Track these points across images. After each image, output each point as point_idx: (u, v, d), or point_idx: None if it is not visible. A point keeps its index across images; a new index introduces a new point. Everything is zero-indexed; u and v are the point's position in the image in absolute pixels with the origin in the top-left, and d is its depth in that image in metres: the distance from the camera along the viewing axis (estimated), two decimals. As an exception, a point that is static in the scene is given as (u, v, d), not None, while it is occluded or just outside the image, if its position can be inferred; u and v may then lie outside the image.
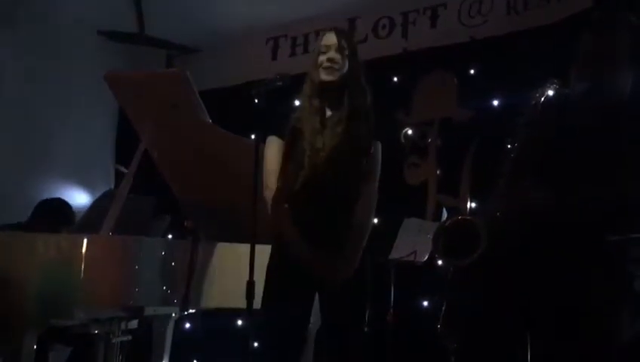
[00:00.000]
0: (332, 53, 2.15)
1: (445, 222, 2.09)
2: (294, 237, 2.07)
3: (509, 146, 2.06)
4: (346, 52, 2.16)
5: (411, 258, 3.63)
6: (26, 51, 4.86)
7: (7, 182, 4.52)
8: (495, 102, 4.23)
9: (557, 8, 4.11)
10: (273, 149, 2.19)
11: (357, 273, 2.08)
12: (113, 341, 3.01)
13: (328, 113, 2.18)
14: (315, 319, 2.20)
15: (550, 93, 2.00)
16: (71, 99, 5.17)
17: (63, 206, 3.69)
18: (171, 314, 3.29)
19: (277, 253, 2.15)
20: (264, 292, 2.10)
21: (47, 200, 3.73)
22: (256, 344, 2.14)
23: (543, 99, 1.99)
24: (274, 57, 5.37)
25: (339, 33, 2.20)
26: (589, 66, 1.96)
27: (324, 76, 2.15)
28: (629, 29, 1.96)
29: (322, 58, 2.16)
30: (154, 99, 2.97)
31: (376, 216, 4.21)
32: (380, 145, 2.20)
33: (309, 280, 2.06)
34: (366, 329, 2.14)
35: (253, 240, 2.01)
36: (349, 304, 2.08)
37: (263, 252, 2.13)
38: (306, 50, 5.12)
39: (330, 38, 2.18)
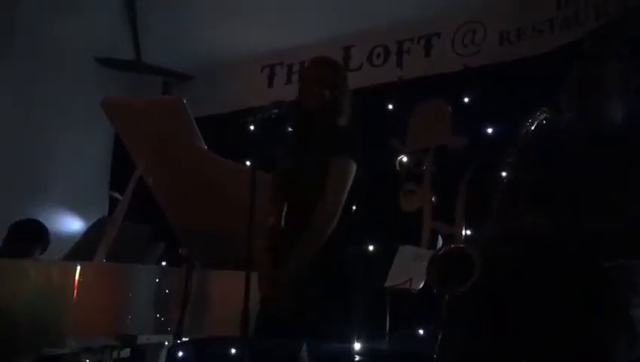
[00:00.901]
0: (310, 83, 2.22)
1: (438, 250, 2.08)
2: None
3: (502, 173, 2.07)
4: (324, 80, 2.20)
5: (407, 286, 3.61)
6: (24, 77, 4.89)
7: (2, 207, 4.49)
8: (489, 130, 4.27)
9: (550, 39, 4.17)
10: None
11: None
12: (105, 370, 2.97)
13: (309, 139, 2.22)
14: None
15: (540, 120, 2.02)
16: (68, 125, 5.18)
17: (37, 226, 3.63)
18: (164, 342, 3.24)
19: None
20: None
21: (20, 221, 3.64)
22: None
23: (533, 127, 2.01)
24: (270, 85, 5.41)
25: (316, 64, 2.28)
26: (579, 96, 1.98)
27: (304, 104, 2.22)
28: (619, 60, 1.99)
29: (301, 88, 2.25)
30: (150, 125, 2.98)
31: (371, 243, 4.31)
32: (348, 162, 2.12)
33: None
34: (359, 358, 2.11)
35: (248, 268, 2.01)
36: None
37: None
38: (302, 78, 5.18)
39: (308, 70, 2.29)
